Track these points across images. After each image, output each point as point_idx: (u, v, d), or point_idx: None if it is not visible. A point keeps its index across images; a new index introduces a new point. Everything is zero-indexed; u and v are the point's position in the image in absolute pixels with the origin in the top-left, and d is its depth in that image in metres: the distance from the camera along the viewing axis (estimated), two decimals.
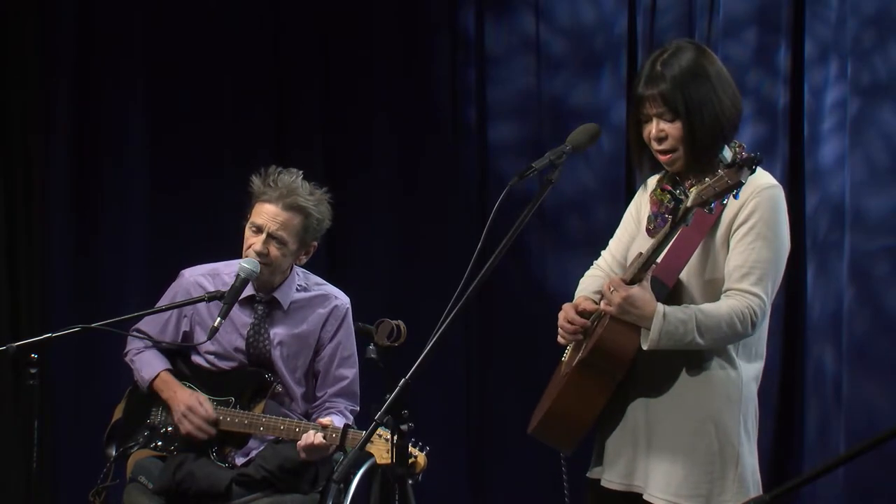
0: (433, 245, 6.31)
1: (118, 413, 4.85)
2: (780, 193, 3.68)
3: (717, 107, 3.64)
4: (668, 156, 3.67)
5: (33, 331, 5.26)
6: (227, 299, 4.54)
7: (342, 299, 4.85)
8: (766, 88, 5.81)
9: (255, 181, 4.70)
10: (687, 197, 3.49)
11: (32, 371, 4.11)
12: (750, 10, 5.84)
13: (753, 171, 3.45)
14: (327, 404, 4.79)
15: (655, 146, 3.68)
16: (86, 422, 5.79)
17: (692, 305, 3.61)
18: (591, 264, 4.00)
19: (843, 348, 5.65)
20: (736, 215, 3.63)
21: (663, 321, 3.55)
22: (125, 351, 4.84)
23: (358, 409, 4.84)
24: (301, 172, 4.73)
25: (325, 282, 4.89)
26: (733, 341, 3.64)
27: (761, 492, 3.69)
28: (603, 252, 3.98)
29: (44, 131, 6.07)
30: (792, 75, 5.78)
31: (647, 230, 3.78)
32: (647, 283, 3.58)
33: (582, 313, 3.75)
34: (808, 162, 5.76)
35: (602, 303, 3.64)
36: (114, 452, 4.74)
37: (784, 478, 5.64)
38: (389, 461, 4.09)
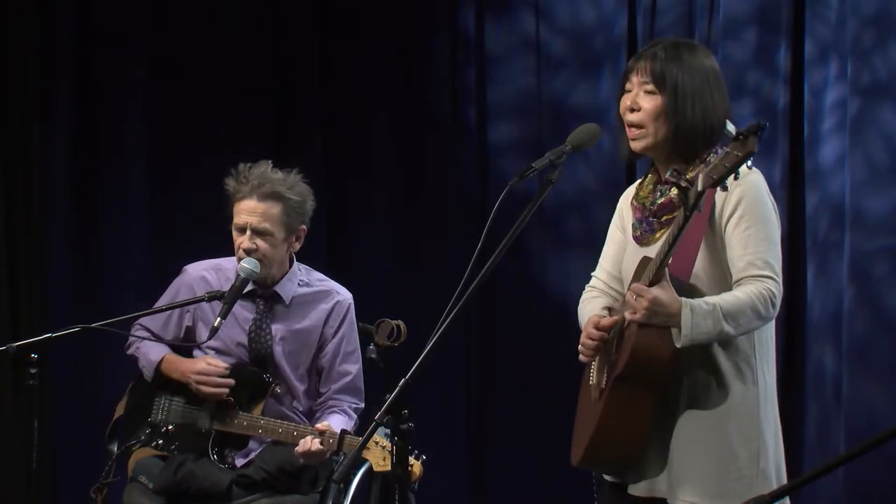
0: (433, 245, 6.31)
1: (119, 409, 4.86)
2: (761, 177, 3.65)
3: (708, 101, 3.61)
4: (635, 130, 3.64)
5: (33, 331, 5.25)
6: (227, 299, 4.55)
7: (344, 295, 4.84)
8: (766, 88, 5.80)
9: (230, 182, 4.69)
10: (691, 184, 3.44)
11: (32, 371, 4.12)
12: (750, 10, 5.83)
13: (761, 139, 3.36)
14: (331, 402, 4.78)
15: (627, 116, 3.64)
16: (86, 422, 5.79)
17: (711, 297, 3.56)
18: (592, 266, 3.97)
19: (843, 348, 5.65)
20: (723, 207, 3.59)
21: (692, 316, 3.49)
22: (127, 344, 4.84)
23: (363, 406, 4.82)
24: (270, 162, 4.72)
25: (327, 278, 4.88)
26: (759, 326, 3.59)
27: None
28: (594, 273, 3.93)
29: (44, 131, 6.07)
30: (792, 75, 5.78)
31: (635, 238, 3.75)
32: (666, 282, 3.52)
33: (602, 328, 3.70)
34: (808, 162, 5.75)
35: (627, 313, 3.58)
36: (116, 449, 4.75)
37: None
38: (386, 468, 4.10)
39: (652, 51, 3.66)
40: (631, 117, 3.65)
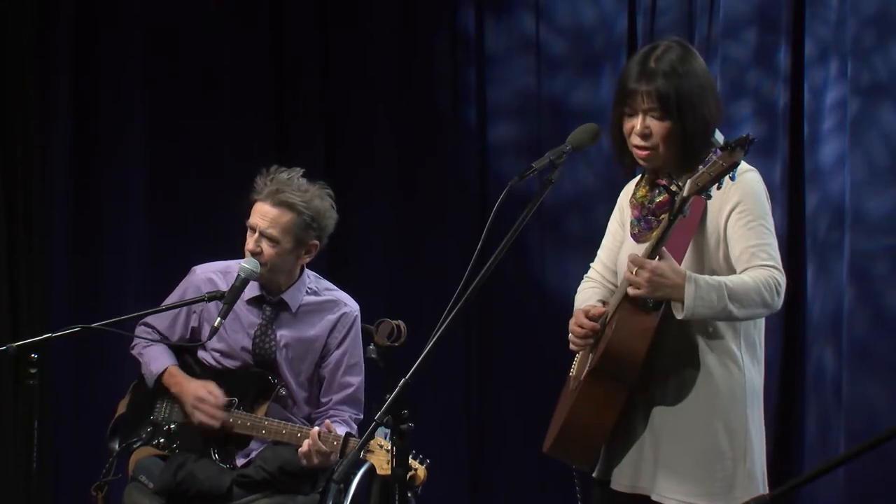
0: (433, 245, 6.32)
1: (121, 408, 4.86)
2: (758, 176, 3.69)
3: (707, 109, 3.64)
4: (647, 152, 3.66)
5: (33, 331, 5.25)
6: (227, 299, 4.54)
7: (352, 306, 4.84)
8: (766, 88, 5.80)
9: (258, 180, 4.71)
10: (680, 188, 3.47)
11: (32, 371, 4.11)
12: (750, 10, 5.83)
13: (747, 151, 3.44)
14: (332, 412, 4.77)
15: (636, 141, 3.66)
16: (86, 422, 5.80)
17: (716, 276, 3.57)
18: (589, 267, 3.98)
19: (843, 348, 5.65)
20: (722, 205, 3.62)
21: (696, 287, 3.49)
22: (132, 344, 4.84)
23: (362, 417, 4.82)
24: (301, 171, 4.73)
25: (335, 287, 4.87)
26: (763, 313, 3.61)
27: (767, 486, 3.69)
28: (592, 264, 3.95)
29: (44, 131, 6.07)
30: (792, 75, 5.77)
31: (633, 235, 3.77)
32: (667, 254, 3.52)
33: (592, 318, 3.72)
34: (808, 162, 5.75)
35: (629, 290, 3.56)
36: (117, 447, 4.75)
37: (784, 478, 5.64)
38: (388, 472, 4.08)
39: (649, 70, 3.64)
40: (643, 142, 3.65)
